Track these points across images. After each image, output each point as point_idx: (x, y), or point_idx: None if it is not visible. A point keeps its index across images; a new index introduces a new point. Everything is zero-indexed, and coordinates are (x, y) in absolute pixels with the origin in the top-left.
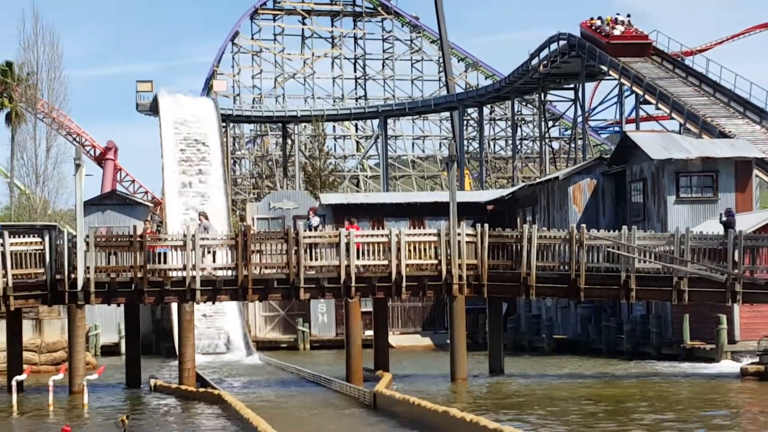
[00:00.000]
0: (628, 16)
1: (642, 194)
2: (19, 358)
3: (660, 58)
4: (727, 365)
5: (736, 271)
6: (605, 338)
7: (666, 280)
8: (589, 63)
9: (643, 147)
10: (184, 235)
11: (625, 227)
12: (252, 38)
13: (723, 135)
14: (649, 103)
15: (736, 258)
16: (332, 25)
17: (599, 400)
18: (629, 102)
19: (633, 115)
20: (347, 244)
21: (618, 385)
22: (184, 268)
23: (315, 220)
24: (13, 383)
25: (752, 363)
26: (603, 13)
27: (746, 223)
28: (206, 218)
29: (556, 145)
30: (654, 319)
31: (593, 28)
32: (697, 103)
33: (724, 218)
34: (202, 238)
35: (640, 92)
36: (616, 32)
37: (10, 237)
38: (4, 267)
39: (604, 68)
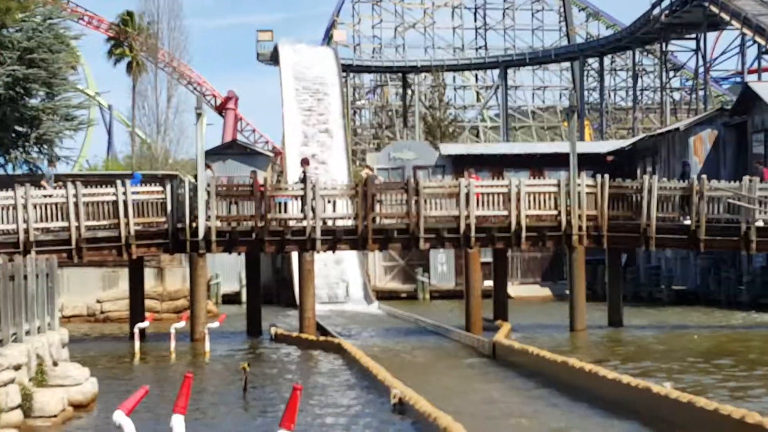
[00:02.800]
0: None
1: (763, 145)
2: (142, 306)
3: None
4: None
5: None
6: (725, 289)
7: None
8: (711, 12)
9: (765, 98)
10: (304, 185)
11: (746, 178)
12: None
13: None
14: None
15: None
16: None
17: (720, 352)
18: (751, 52)
19: (755, 66)
20: (467, 195)
21: (739, 337)
22: (305, 218)
23: (310, 170)
24: (136, 330)
25: None
26: None
27: None
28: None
29: (677, 95)
30: None
31: None
32: None
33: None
34: (323, 188)
35: (763, 42)
36: None
37: (132, 186)
38: (127, 215)
39: (726, 17)
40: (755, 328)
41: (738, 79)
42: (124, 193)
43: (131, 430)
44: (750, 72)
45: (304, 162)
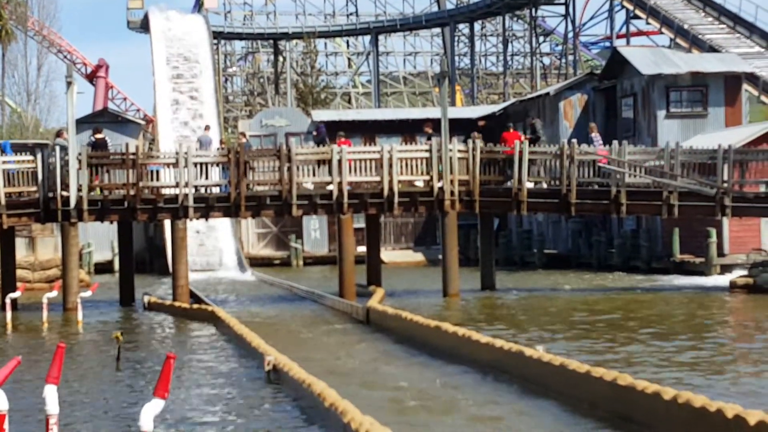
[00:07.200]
0: None
1: (632, 109)
2: (13, 276)
3: None
4: (717, 278)
5: (725, 184)
6: (596, 253)
7: (656, 195)
8: None
9: (633, 62)
10: (177, 153)
11: (615, 142)
12: None
13: (713, 49)
14: (639, 18)
15: (725, 172)
16: None
17: (592, 314)
18: (620, 17)
19: (623, 30)
20: (339, 161)
21: (609, 299)
22: (177, 186)
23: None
24: (7, 301)
25: (741, 276)
26: None
27: (735, 137)
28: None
29: (547, 60)
30: (644, 233)
31: None
32: (687, 18)
33: None
34: (195, 155)
35: (631, 7)
36: None
37: (1, 155)
38: None
39: None
40: (625, 291)
41: (607, 44)
42: None
43: (3, 401)
44: (618, 37)
45: (59, 134)
